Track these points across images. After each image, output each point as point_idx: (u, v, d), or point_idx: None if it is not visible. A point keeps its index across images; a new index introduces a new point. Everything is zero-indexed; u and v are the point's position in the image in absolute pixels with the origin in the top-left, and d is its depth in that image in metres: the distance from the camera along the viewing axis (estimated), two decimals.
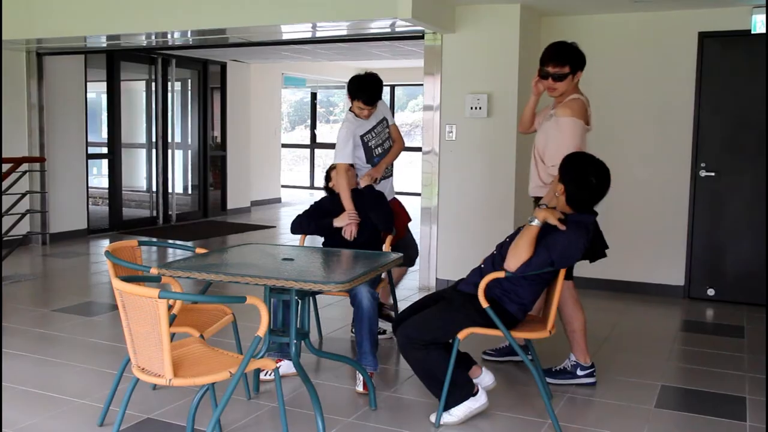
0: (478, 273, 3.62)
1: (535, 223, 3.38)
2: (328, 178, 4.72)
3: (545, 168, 3.98)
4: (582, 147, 3.83)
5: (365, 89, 4.50)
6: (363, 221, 4.46)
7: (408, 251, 4.62)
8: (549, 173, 3.93)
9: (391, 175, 4.86)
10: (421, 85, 6.61)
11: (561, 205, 3.51)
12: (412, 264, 4.94)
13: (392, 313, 4.78)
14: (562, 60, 3.92)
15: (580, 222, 3.44)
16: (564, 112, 3.89)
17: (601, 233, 3.87)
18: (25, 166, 6.96)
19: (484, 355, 4.39)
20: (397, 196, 4.92)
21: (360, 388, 3.85)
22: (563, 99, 3.99)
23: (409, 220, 4.93)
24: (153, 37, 7.10)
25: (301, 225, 4.54)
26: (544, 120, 4.08)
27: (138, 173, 10.91)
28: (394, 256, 3.69)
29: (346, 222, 4.44)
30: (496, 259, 3.59)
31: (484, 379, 3.79)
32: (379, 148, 4.72)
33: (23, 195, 6.76)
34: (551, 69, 3.93)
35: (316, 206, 4.65)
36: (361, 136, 4.64)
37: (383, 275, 4.50)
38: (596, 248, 3.86)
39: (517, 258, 3.36)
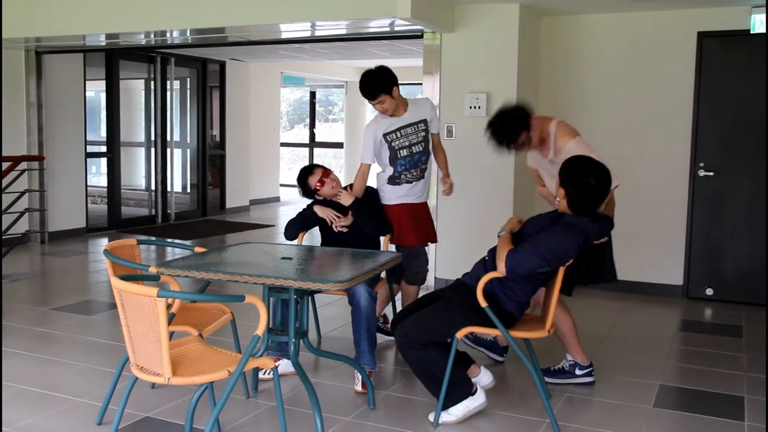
0: (482, 266, 3.63)
1: (504, 233, 3.54)
2: (302, 185, 4.51)
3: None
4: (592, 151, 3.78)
5: (360, 85, 4.41)
6: (356, 223, 4.44)
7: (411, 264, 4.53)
8: None
9: (422, 178, 4.61)
10: (420, 84, 6.60)
11: (563, 209, 3.51)
12: (420, 281, 4.65)
13: (386, 326, 4.78)
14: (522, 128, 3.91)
15: (573, 225, 3.43)
16: (561, 145, 3.88)
17: (611, 255, 3.90)
18: (23, 165, 6.96)
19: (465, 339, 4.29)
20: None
21: (359, 387, 3.85)
22: (541, 133, 3.95)
23: (423, 240, 4.60)
24: (152, 35, 7.10)
25: (290, 228, 4.53)
26: (549, 163, 4.00)
27: (137, 172, 10.92)
28: (392, 255, 3.69)
29: (327, 215, 4.41)
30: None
31: (483, 378, 3.79)
32: (404, 150, 4.48)
33: (22, 193, 6.75)
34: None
35: (305, 209, 4.61)
36: (384, 135, 4.46)
37: (382, 275, 4.50)
38: (602, 270, 3.89)
39: (499, 260, 3.37)
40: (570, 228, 3.41)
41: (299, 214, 4.54)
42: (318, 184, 4.42)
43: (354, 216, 4.41)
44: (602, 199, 3.47)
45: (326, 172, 4.47)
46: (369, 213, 4.44)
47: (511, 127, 3.93)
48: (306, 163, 15.77)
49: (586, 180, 3.41)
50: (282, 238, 9.17)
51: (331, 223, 4.42)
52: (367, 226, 4.42)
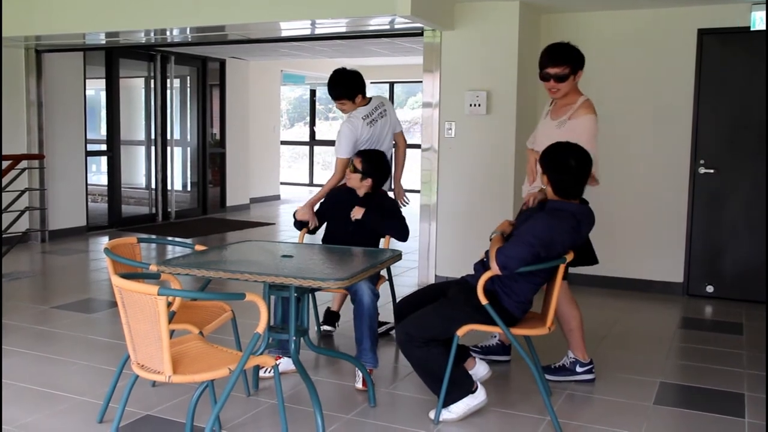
0: (481, 266, 3.63)
1: (495, 234, 3.54)
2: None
3: None
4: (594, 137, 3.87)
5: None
6: (365, 221, 4.44)
7: None
8: None
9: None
10: (421, 82, 6.60)
11: (550, 195, 3.54)
12: None
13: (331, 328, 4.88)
14: (562, 61, 3.93)
15: (560, 209, 3.45)
16: (582, 112, 3.94)
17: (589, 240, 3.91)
18: (24, 163, 6.95)
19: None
20: None
21: (359, 385, 3.85)
22: (566, 100, 4.01)
23: None
24: (152, 34, 7.10)
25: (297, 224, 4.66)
26: (556, 128, 4.03)
27: (137, 170, 10.91)
28: (392, 253, 3.69)
29: (303, 218, 4.54)
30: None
31: (479, 369, 3.81)
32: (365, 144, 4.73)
33: (22, 192, 6.76)
34: (551, 71, 3.94)
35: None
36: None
37: (383, 273, 4.50)
38: (586, 254, 3.91)
39: (491, 259, 3.36)
40: (555, 213, 3.43)
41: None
42: (350, 168, 4.45)
43: (384, 211, 4.47)
44: (584, 179, 3.50)
45: (364, 177, 4.42)
46: (394, 213, 4.51)
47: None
48: (306, 160, 15.88)
49: (566, 162, 3.46)
50: (282, 236, 9.19)
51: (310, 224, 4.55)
52: (388, 225, 4.47)
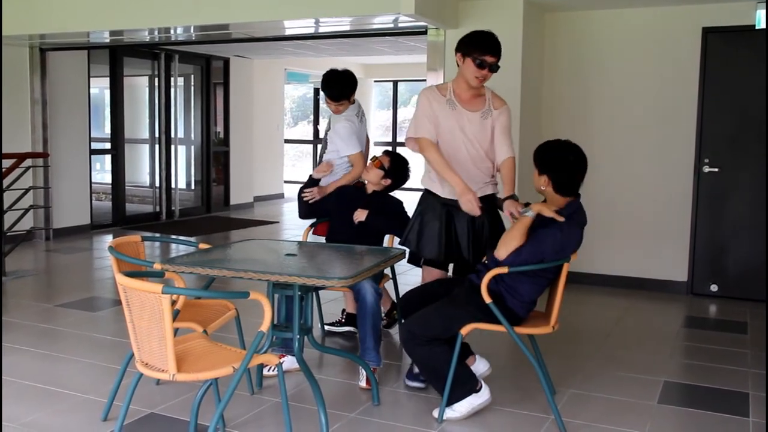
0: (483, 266, 3.63)
1: (530, 214, 3.39)
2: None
3: (489, 165, 4.01)
4: None
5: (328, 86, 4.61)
6: (368, 223, 4.43)
7: None
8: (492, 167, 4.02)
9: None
10: (424, 80, 6.59)
11: (550, 195, 3.48)
12: None
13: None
14: (498, 51, 3.87)
15: (570, 216, 3.39)
16: (500, 103, 3.95)
17: None
18: (28, 162, 6.96)
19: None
20: None
21: (363, 384, 3.85)
22: (476, 91, 3.94)
23: None
24: (156, 32, 7.10)
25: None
26: (481, 118, 3.92)
27: (141, 169, 10.94)
28: (395, 251, 3.69)
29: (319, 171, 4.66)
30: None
31: (479, 366, 3.81)
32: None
33: (27, 190, 6.77)
34: (490, 59, 3.82)
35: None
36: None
37: (386, 271, 4.50)
38: None
39: (506, 247, 3.34)
40: (570, 219, 3.37)
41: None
42: (376, 162, 4.44)
43: (387, 210, 4.48)
44: (582, 173, 3.45)
45: (385, 177, 4.44)
46: (398, 213, 4.50)
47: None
48: (309, 159, 15.88)
49: (565, 158, 3.41)
50: (286, 235, 9.20)
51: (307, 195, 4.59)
52: (389, 224, 4.47)
